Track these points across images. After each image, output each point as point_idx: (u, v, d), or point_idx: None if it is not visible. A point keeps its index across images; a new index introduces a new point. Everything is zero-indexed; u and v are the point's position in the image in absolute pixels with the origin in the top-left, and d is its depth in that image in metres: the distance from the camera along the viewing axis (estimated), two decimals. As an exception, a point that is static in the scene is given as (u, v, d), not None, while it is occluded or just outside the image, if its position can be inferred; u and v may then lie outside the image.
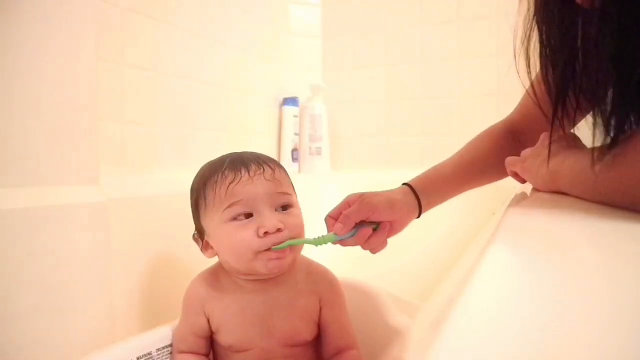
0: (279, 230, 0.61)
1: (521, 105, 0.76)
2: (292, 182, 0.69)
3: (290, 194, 0.66)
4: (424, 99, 1.48)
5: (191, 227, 0.69)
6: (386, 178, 0.76)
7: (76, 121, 0.71)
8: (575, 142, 0.57)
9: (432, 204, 0.71)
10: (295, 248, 0.64)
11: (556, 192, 0.53)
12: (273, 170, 0.65)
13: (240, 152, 0.68)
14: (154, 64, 0.99)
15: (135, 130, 0.94)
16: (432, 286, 0.64)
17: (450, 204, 0.74)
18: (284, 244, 0.61)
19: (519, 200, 0.58)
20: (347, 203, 0.65)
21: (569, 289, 0.22)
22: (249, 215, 0.62)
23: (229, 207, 0.62)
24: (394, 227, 0.67)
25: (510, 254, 0.31)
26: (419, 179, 0.72)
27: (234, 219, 0.62)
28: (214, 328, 0.67)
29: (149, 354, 0.67)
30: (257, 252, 0.61)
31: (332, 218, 0.65)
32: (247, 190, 0.62)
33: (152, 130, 0.99)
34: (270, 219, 0.61)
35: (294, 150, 1.49)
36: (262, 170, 0.64)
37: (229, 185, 0.62)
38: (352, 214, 0.63)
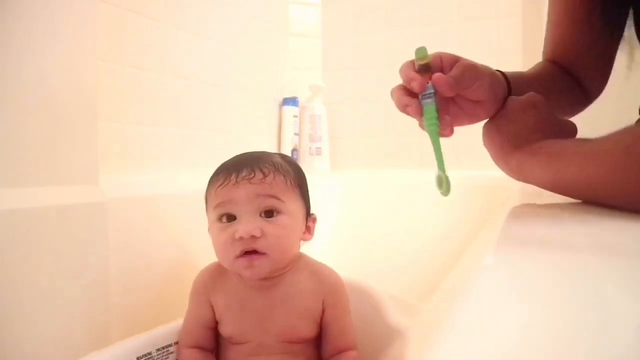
0: (253, 237, 0.61)
1: (551, 38, 0.71)
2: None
3: (280, 200, 0.64)
4: (424, 99, 1.48)
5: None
6: (386, 178, 0.76)
7: (76, 121, 0.71)
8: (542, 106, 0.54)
9: None
10: (270, 255, 0.63)
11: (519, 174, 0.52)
12: (265, 175, 0.64)
13: (246, 154, 0.69)
14: (154, 64, 0.99)
15: (135, 130, 0.94)
16: (432, 286, 0.64)
17: (450, 204, 0.74)
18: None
19: (519, 201, 0.58)
20: (440, 57, 0.60)
21: (570, 290, 0.22)
22: (233, 219, 0.64)
23: (214, 208, 0.65)
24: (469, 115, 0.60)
25: (510, 254, 0.31)
26: (511, 74, 0.64)
27: (219, 220, 0.65)
28: (217, 318, 0.69)
29: (149, 354, 0.67)
30: (234, 257, 0.62)
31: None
32: (230, 194, 0.63)
33: (152, 131, 0.99)
34: (246, 224, 0.61)
35: (294, 150, 1.49)
36: (252, 174, 0.64)
37: (217, 188, 0.65)
38: (460, 80, 0.55)
